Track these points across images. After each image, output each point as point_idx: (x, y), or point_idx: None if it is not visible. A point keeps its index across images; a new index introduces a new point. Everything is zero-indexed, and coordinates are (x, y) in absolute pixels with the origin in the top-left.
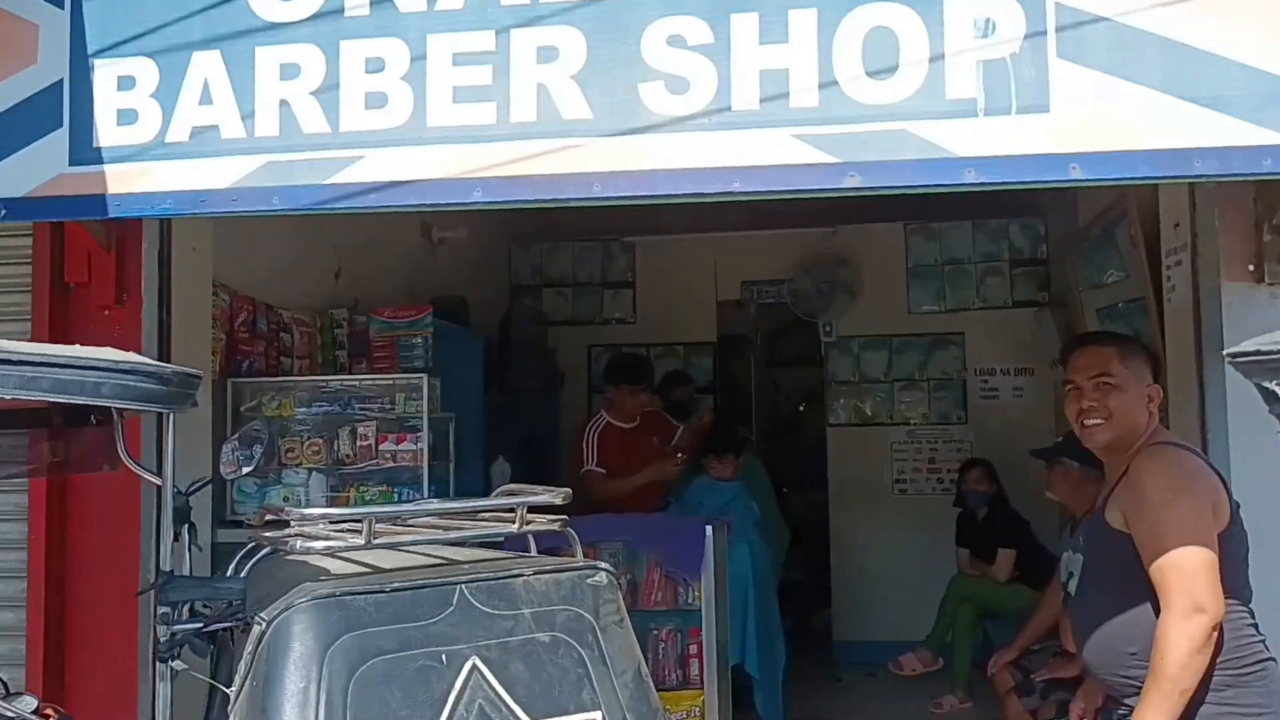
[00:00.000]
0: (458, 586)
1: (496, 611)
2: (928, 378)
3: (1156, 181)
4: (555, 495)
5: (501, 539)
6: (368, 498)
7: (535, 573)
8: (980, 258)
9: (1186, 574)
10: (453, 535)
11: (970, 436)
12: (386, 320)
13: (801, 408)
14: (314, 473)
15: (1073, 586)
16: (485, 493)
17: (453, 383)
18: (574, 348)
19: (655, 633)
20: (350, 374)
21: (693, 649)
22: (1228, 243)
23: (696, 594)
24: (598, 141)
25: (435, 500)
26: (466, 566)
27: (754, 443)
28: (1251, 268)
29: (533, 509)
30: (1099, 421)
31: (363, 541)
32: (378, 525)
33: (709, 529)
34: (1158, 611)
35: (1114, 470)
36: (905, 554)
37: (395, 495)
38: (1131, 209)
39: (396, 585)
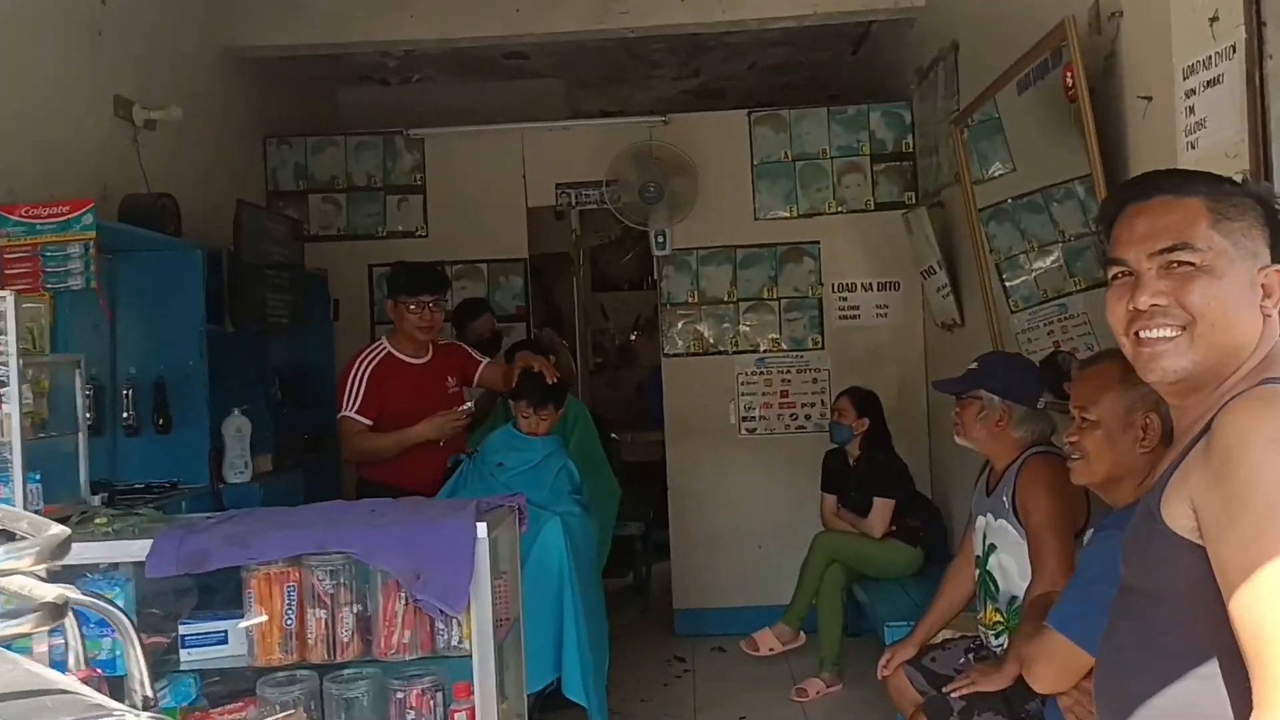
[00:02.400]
0: None
1: None
2: (778, 296)
3: None
4: (19, 553)
5: None
6: None
7: None
8: (837, 152)
9: None
10: None
11: (828, 364)
12: (23, 220)
13: (634, 336)
14: None
15: (994, 563)
16: (213, 463)
17: (158, 312)
18: (351, 268)
19: (400, 696)
20: None
21: (460, 717)
22: None
23: (466, 632)
24: None
25: None
26: None
27: (575, 382)
28: None
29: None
30: (1170, 334)
31: None
32: None
33: (480, 529)
34: (1239, 693)
35: (1183, 423)
36: (758, 505)
37: None
38: (1073, 46)
39: None
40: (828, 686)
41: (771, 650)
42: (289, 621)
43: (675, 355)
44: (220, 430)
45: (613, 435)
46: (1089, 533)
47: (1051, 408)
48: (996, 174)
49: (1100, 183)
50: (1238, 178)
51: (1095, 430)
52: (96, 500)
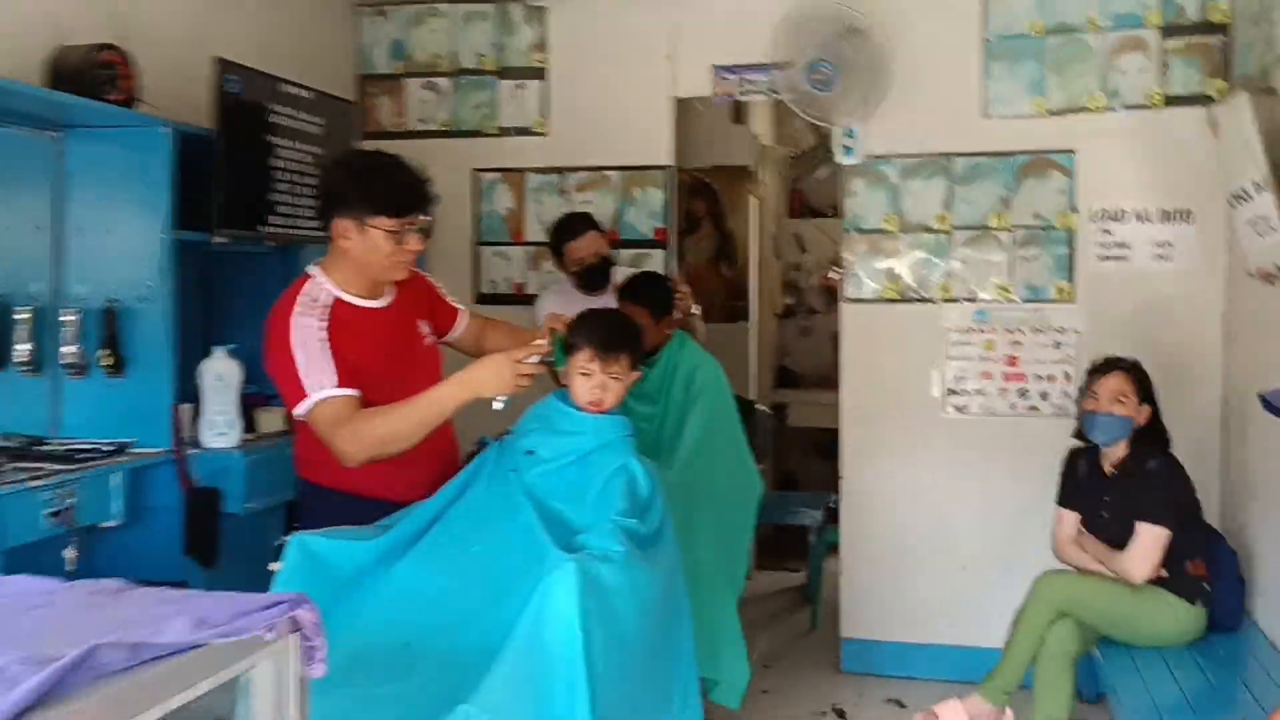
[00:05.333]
0: None
1: None
2: (1012, 225)
3: None
4: None
5: None
6: None
7: None
8: (1111, 22)
9: None
10: None
11: (1079, 323)
12: None
13: (835, 274)
14: None
15: None
16: (179, 419)
17: (114, 211)
18: (451, 173)
19: None
20: None
21: None
22: None
23: None
24: None
25: None
26: None
27: (696, 323)
28: None
29: None
30: None
31: None
32: None
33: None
34: None
35: None
36: (964, 512)
37: None
38: None
39: None
40: None
41: None
42: None
43: (861, 301)
44: (194, 375)
45: (756, 405)
46: None
47: None
48: None
49: None
50: None
51: None
52: None
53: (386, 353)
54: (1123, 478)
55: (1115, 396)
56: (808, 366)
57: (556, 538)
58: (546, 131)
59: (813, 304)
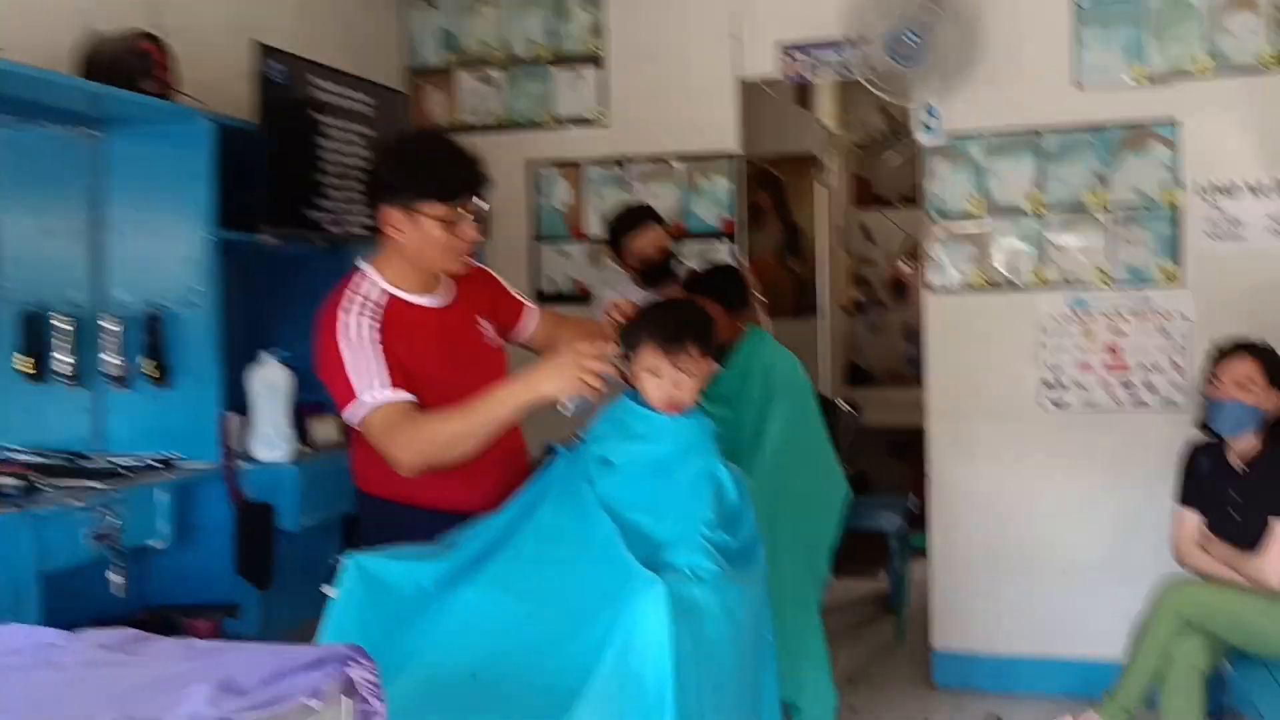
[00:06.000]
0: None
1: None
2: (1110, 204)
3: None
4: None
5: None
6: None
7: None
8: None
9: None
10: None
11: (1187, 308)
12: None
13: (906, 265)
14: None
15: None
16: (226, 431)
17: (155, 212)
18: (506, 168)
19: None
20: None
21: None
22: None
23: None
24: None
25: None
26: None
27: (763, 317)
28: None
29: None
30: None
31: None
32: None
33: None
34: None
35: None
36: (1067, 516)
37: None
38: None
39: None
40: None
41: None
42: None
43: (946, 291)
44: (242, 383)
45: (837, 402)
46: None
47: None
48: None
49: None
50: None
51: None
52: None
53: (444, 352)
54: (1254, 473)
55: (1241, 382)
56: (878, 363)
57: (638, 554)
58: (605, 121)
59: (882, 298)
